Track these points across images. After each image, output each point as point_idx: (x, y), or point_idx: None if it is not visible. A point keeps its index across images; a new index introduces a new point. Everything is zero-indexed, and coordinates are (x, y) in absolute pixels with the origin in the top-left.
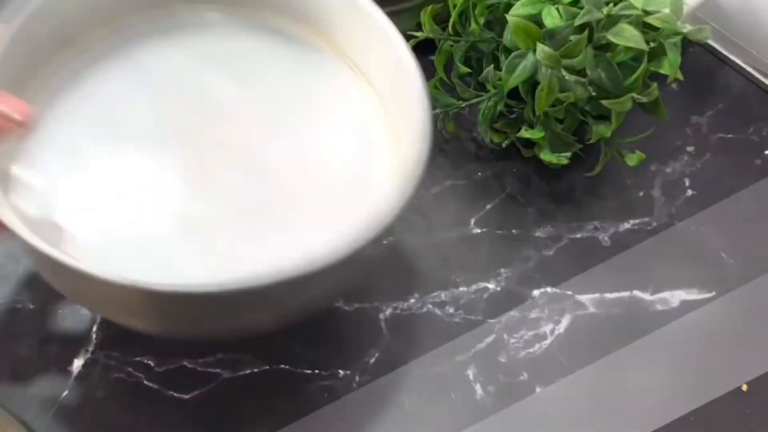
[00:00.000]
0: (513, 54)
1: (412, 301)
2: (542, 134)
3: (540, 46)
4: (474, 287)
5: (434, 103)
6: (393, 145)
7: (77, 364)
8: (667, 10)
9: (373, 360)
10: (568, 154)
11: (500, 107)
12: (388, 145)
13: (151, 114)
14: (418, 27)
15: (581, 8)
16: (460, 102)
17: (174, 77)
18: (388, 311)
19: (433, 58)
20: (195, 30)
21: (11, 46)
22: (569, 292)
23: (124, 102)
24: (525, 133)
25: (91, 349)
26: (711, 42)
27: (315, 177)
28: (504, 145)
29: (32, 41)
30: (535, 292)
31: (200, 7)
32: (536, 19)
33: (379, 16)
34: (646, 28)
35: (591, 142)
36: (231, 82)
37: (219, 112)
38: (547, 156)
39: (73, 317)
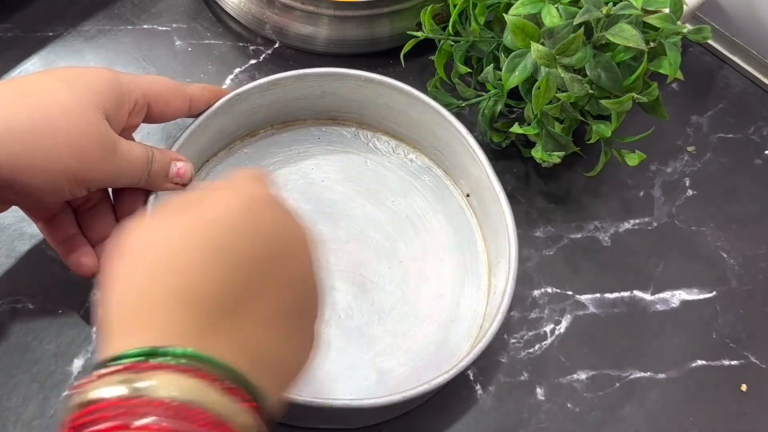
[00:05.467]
0: (513, 53)
1: None
2: (536, 131)
3: (534, 45)
4: None
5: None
6: (486, 285)
7: (77, 364)
8: (667, 10)
9: None
10: (561, 153)
11: (500, 107)
12: (484, 279)
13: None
14: (418, 27)
15: (581, 8)
16: (460, 102)
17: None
18: None
19: (433, 57)
20: (330, 143)
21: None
22: (569, 292)
23: None
24: (518, 128)
25: (91, 349)
26: (711, 42)
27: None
28: (504, 145)
29: (197, 143)
30: (535, 292)
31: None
32: (536, 19)
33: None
34: (646, 27)
35: (591, 141)
36: (366, 201)
37: (348, 223)
38: (538, 153)
39: (73, 317)
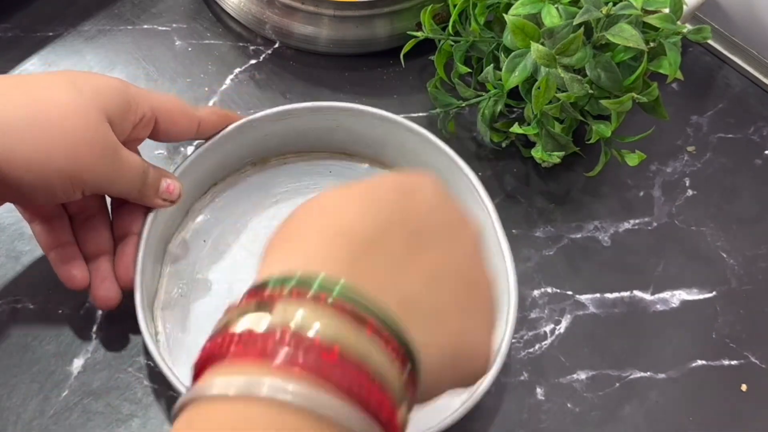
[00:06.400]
0: (513, 53)
1: None
2: (536, 131)
3: (534, 45)
4: None
5: (434, 102)
6: None
7: (77, 364)
8: (666, 10)
9: None
10: (561, 153)
11: (500, 107)
12: None
13: None
14: (418, 27)
15: (581, 8)
16: (460, 102)
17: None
18: None
19: (433, 57)
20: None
21: (188, 168)
22: (569, 292)
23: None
24: (518, 128)
25: (91, 349)
26: (711, 42)
27: None
28: (504, 145)
29: (204, 165)
30: (536, 292)
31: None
32: (536, 19)
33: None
34: (645, 27)
35: (591, 141)
36: None
37: None
38: (538, 153)
39: (73, 317)
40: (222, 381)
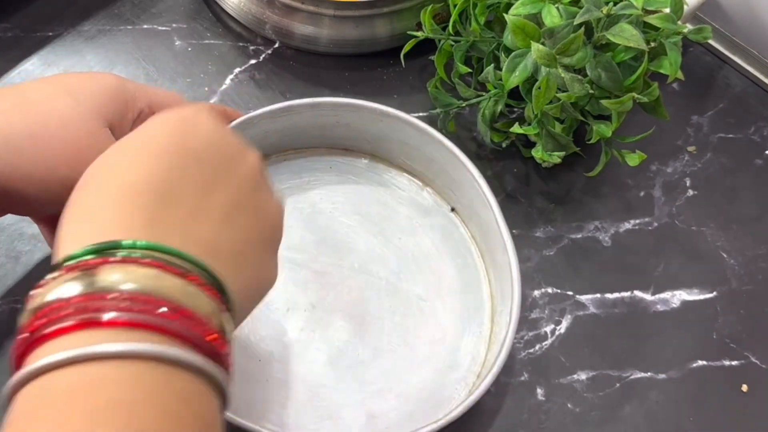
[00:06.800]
0: (513, 53)
1: None
2: (536, 131)
3: (535, 45)
4: None
5: (434, 102)
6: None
7: None
8: (667, 10)
9: None
10: (561, 153)
11: (500, 107)
12: (486, 325)
13: (295, 235)
14: (418, 27)
15: (581, 8)
16: (461, 102)
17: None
18: None
19: (433, 57)
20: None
21: None
22: (570, 293)
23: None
24: (519, 128)
25: None
26: (711, 42)
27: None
28: (504, 145)
29: None
30: (536, 293)
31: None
32: (536, 19)
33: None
34: (646, 27)
35: (591, 141)
36: (372, 236)
37: (352, 257)
38: (538, 153)
39: None
40: (49, 353)
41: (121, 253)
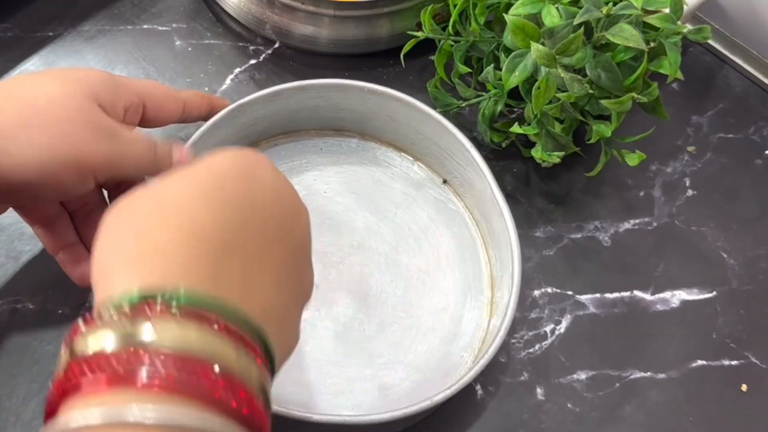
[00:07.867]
0: (513, 53)
1: None
2: (536, 131)
3: (534, 45)
4: None
5: (434, 102)
6: (489, 306)
7: None
8: (667, 10)
9: None
10: (561, 153)
11: (500, 107)
12: (487, 292)
13: None
14: (418, 27)
15: (581, 8)
16: (460, 102)
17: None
18: None
19: (433, 57)
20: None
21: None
22: (569, 292)
23: None
24: (518, 128)
25: None
26: (711, 42)
27: (421, 310)
28: (504, 145)
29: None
30: (536, 292)
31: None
32: (536, 19)
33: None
34: (646, 27)
35: (591, 141)
36: (369, 213)
37: (351, 235)
38: (538, 153)
39: (73, 317)
40: (81, 413)
41: (178, 302)
